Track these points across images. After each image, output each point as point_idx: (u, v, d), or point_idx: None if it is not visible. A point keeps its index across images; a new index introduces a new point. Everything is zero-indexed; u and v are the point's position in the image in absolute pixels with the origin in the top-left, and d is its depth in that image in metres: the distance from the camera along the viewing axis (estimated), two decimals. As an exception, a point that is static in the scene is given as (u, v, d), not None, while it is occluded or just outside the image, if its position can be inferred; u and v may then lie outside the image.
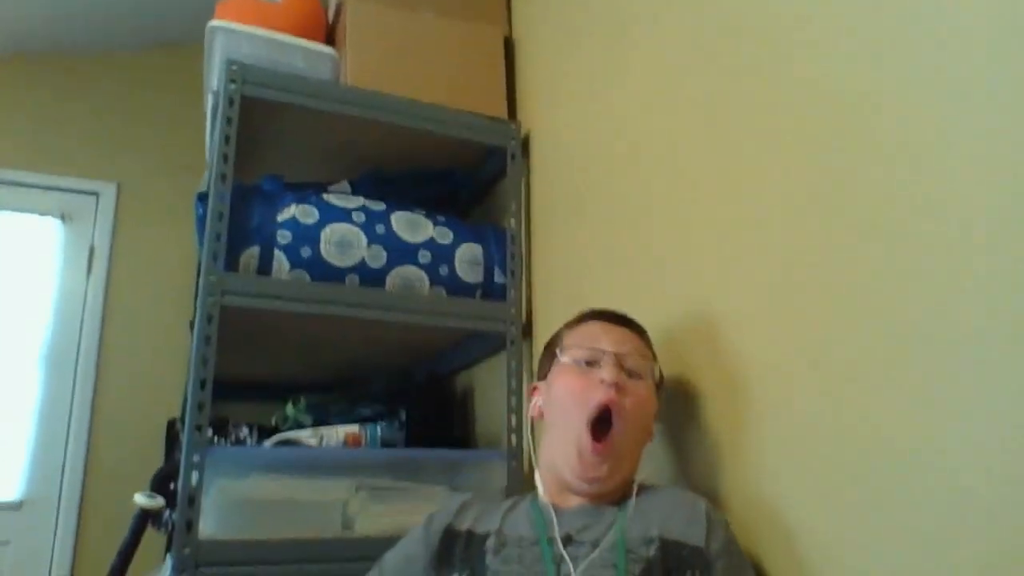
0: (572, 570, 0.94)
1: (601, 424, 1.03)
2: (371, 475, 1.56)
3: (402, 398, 1.91)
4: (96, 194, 3.03)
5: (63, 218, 2.98)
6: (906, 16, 0.86)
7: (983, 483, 0.73)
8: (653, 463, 1.25)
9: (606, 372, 1.04)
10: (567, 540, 0.99)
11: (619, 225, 1.46)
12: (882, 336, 0.86)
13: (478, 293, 1.77)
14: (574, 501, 1.05)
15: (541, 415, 1.14)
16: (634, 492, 1.05)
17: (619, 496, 1.05)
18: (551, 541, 0.99)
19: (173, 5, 2.98)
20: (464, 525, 1.05)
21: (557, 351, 1.13)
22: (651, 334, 1.17)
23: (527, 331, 1.77)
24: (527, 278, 1.83)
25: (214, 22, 1.74)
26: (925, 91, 0.83)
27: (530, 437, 1.12)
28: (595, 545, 0.97)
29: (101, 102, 3.15)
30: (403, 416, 1.83)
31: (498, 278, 1.79)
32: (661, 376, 1.14)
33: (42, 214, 2.96)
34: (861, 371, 0.88)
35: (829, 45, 0.97)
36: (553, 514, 1.03)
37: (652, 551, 0.95)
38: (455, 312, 1.70)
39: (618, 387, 1.03)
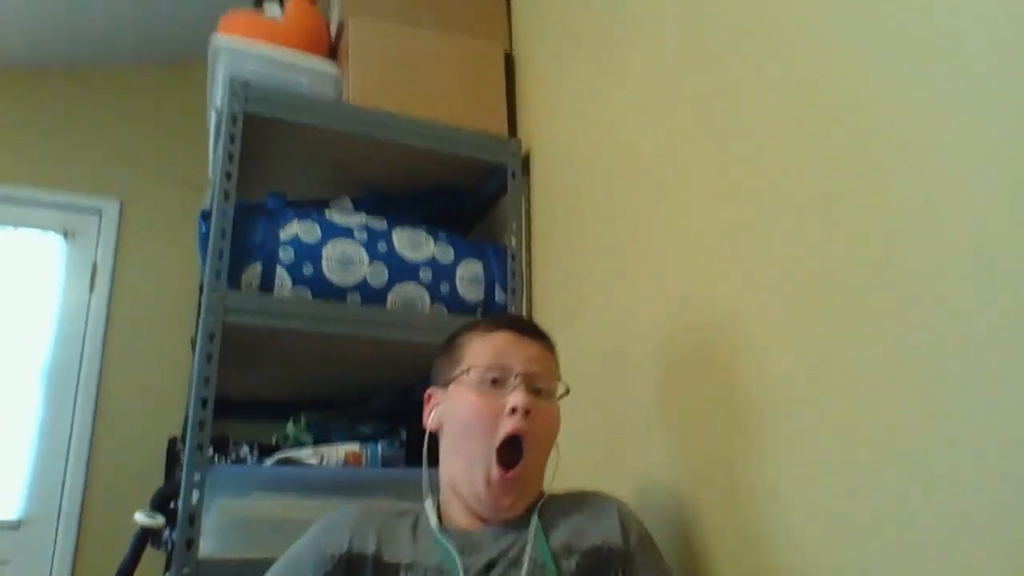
0: None
1: (509, 451, 0.97)
2: (371, 494, 1.55)
3: (403, 416, 1.90)
4: (99, 211, 3.03)
5: (66, 235, 2.98)
6: (906, 13, 0.86)
7: (983, 487, 0.72)
8: (650, 466, 1.25)
9: (517, 398, 0.97)
10: (489, 566, 0.94)
11: (619, 242, 1.46)
12: (882, 341, 0.85)
13: (479, 311, 1.77)
14: (484, 525, 1.00)
15: (440, 428, 1.05)
16: (540, 505, 1.02)
17: (527, 511, 1.01)
18: (470, 571, 0.93)
19: (176, 22, 2.99)
20: (368, 549, 0.97)
21: (460, 361, 1.05)
22: (651, 348, 1.16)
23: (529, 349, 1.76)
24: (528, 295, 1.83)
25: (217, 40, 1.75)
26: (925, 90, 0.83)
27: (424, 451, 1.04)
28: (517, 566, 0.93)
29: (104, 118, 3.16)
30: (404, 435, 1.82)
31: (499, 296, 1.79)
32: (566, 391, 1.08)
33: (44, 230, 2.97)
34: (860, 377, 0.87)
35: (828, 48, 0.97)
36: (467, 541, 0.98)
37: (573, 564, 0.94)
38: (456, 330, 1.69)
39: (529, 412, 0.97)
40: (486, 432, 0.97)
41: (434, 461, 1.05)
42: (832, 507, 0.90)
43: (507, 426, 0.97)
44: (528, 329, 1.09)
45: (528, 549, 0.95)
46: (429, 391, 1.11)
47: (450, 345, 1.09)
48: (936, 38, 0.82)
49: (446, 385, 1.06)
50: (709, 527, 1.11)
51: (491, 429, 0.97)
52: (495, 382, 1.01)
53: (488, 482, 0.97)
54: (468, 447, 0.99)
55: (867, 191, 0.89)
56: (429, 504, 1.04)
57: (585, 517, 1.00)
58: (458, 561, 0.94)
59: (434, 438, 1.07)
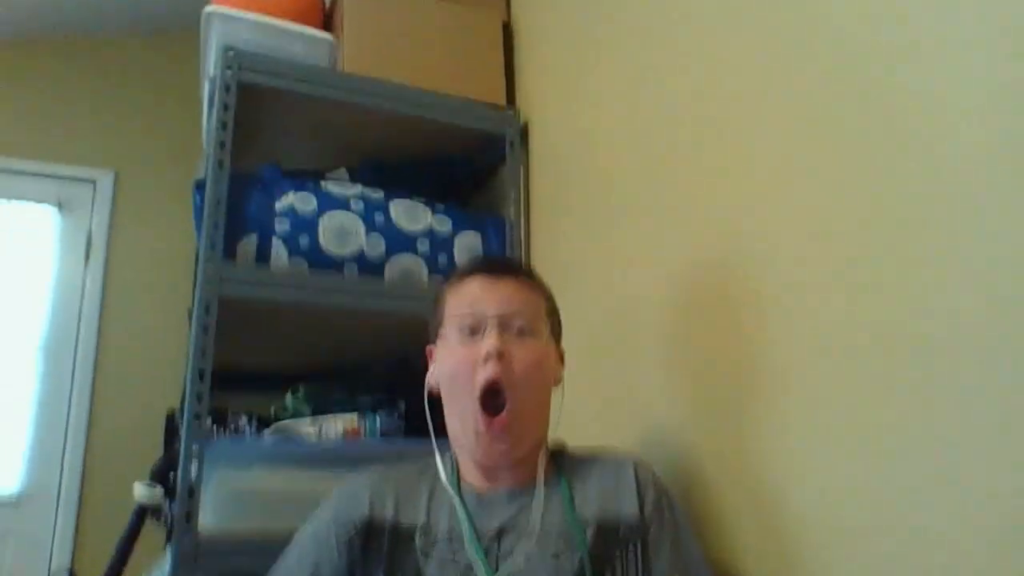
0: (512, 567, 0.90)
1: (493, 398, 0.95)
2: (371, 466, 1.54)
3: (401, 388, 1.90)
4: (93, 182, 3.01)
5: (60, 206, 2.96)
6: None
7: (983, 476, 0.72)
8: (651, 436, 1.25)
9: (488, 344, 0.96)
10: (500, 533, 0.94)
11: (619, 213, 1.44)
12: (887, 328, 0.84)
13: (478, 282, 1.76)
14: (498, 484, 0.99)
15: (438, 388, 1.04)
16: (560, 467, 1.01)
17: (546, 471, 1.00)
18: (482, 536, 0.94)
19: (169, -9, 2.95)
20: (386, 514, 0.97)
21: (442, 316, 1.04)
22: (652, 317, 1.14)
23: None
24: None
25: (210, 8, 1.72)
26: (916, 97, 0.81)
27: (427, 414, 1.03)
28: (531, 535, 0.93)
29: (98, 89, 3.12)
30: (402, 406, 1.81)
31: (498, 267, 1.78)
32: (559, 324, 1.07)
33: (39, 202, 2.94)
34: (869, 337, 0.86)
35: (840, 22, 0.96)
36: (480, 504, 0.97)
37: (589, 536, 0.93)
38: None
39: (503, 356, 0.95)
40: (468, 383, 0.96)
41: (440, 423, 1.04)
42: (837, 463, 0.89)
43: (482, 374, 0.95)
44: (500, 269, 1.06)
45: (546, 518, 0.94)
46: (428, 347, 1.10)
47: (435, 300, 1.08)
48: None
49: (435, 342, 1.06)
50: (715, 476, 1.11)
51: (470, 380, 0.96)
52: (473, 331, 0.99)
53: (477, 432, 0.96)
54: (457, 401, 0.99)
55: (884, 178, 0.87)
56: (438, 460, 1.02)
57: (603, 485, 0.99)
58: (466, 525, 0.94)
59: (435, 402, 1.04)
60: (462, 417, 0.98)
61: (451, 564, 0.92)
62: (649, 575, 0.93)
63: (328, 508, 1.02)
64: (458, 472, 1.03)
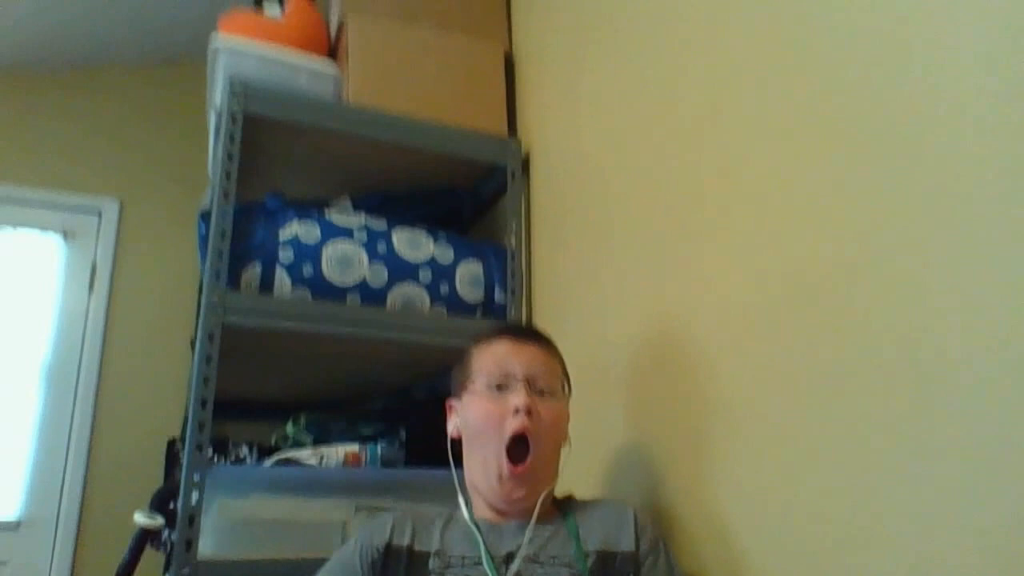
0: None
1: (518, 448, 1.05)
2: (371, 495, 1.55)
3: (402, 417, 1.90)
4: (99, 211, 3.03)
5: (65, 235, 2.98)
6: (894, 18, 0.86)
7: (953, 509, 0.75)
8: (621, 473, 1.34)
9: (518, 398, 1.06)
10: (509, 558, 1.02)
11: (620, 242, 1.46)
12: (811, 352, 0.96)
13: (479, 312, 1.77)
14: (508, 519, 1.08)
15: (459, 436, 1.15)
16: (566, 508, 1.12)
17: (551, 511, 1.11)
18: (494, 560, 1.02)
19: (176, 21, 2.99)
20: (404, 541, 1.06)
21: (469, 373, 1.14)
22: (651, 350, 1.18)
23: (529, 349, 1.76)
24: (528, 296, 1.83)
25: (217, 40, 1.75)
26: (911, 100, 0.83)
27: (449, 454, 1.15)
28: (541, 563, 1.01)
29: (104, 119, 3.16)
30: (403, 435, 1.82)
31: (499, 296, 1.79)
32: (569, 387, 1.18)
33: (44, 231, 2.97)
34: (795, 385, 0.98)
35: (830, 59, 0.98)
36: (492, 532, 1.06)
37: (590, 563, 1.02)
38: (456, 331, 1.68)
39: (530, 411, 1.06)
40: (495, 432, 1.06)
41: (457, 463, 1.15)
42: (774, 485, 1.01)
43: (512, 425, 1.05)
44: (526, 335, 1.18)
45: (553, 546, 1.03)
46: (449, 402, 1.20)
47: (462, 359, 1.19)
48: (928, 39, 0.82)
49: (460, 396, 1.16)
50: (675, 499, 1.21)
51: (499, 429, 1.06)
52: (500, 387, 1.09)
53: (500, 477, 1.05)
54: (482, 448, 1.08)
55: (849, 210, 0.92)
56: (462, 501, 1.12)
57: (605, 523, 1.08)
58: (481, 547, 1.03)
59: (455, 443, 1.16)
60: (484, 462, 1.08)
61: None
62: None
63: (354, 539, 1.10)
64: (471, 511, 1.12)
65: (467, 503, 1.11)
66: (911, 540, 0.80)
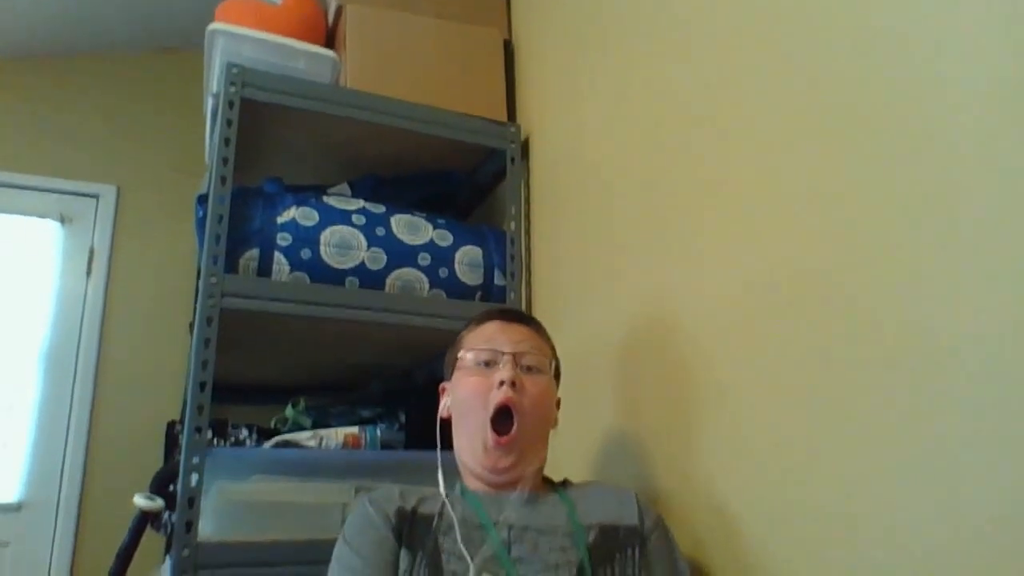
0: (523, 551, 1.00)
1: (503, 420, 1.08)
2: (370, 477, 1.56)
3: (402, 400, 1.91)
4: (96, 196, 3.03)
5: (62, 220, 2.98)
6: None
7: (925, 512, 0.76)
8: (616, 452, 1.36)
9: (504, 372, 1.10)
10: (510, 524, 1.04)
11: (618, 226, 1.46)
12: (792, 344, 0.99)
13: (478, 295, 1.78)
14: (500, 491, 1.09)
15: (450, 416, 1.17)
16: (561, 489, 1.14)
17: (544, 488, 1.14)
18: (496, 524, 1.04)
19: (173, 8, 2.98)
20: (409, 505, 1.08)
21: (459, 353, 1.18)
22: (646, 334, 1.19)
23: (526, 333, 1.77)
24: (527, 280, 1.84)
25: (214, 25, 1.74)
26: (911, 97, 0.83)
27: (438, 438, 1.17)
28: (539, 531, 1.03)
29: (101, 105, 3.15)
30: (403, 418, 1.83)
31: (498, 280, 1.80)
32: (558, 367, 1.20)
33: (42, 217, 2.96)
34: (775, 373, 1.02)
35: (829, 54, 0.98)
36: (488, 500, 1.08)
37: (591, 536, 1.04)
38: (455, 314, 1.68)
39: (516, 385, 1.09)
40: (481, 405, 1.09)
41: (447, 446, 1.16)
42: (750, 463, 1.06)
43: (496, 397, 1.08)
44: (513, 316, 1.21)
45: (554, 517, 1.05)
46: (442, 385, 1.23)
47: (453, 344, 1.22)
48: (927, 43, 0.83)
49: (451, 376, 1.19)
50: (668, 477, 1.25)
51: (484, 402, 1.09)
52: (488, 364, 1.13)
53: (485, 448, 1.08)
54: (468, 421, 1.11)
55: (848, 212, 0.92)
56: (441, 481, 1.12)
57: (606, 499, 1.11)
58: (484, 515, 1.05)
59: (445, 424, 1.17)
60: (471, 435, 1.10)
61: (465, 542, 1.01)
62: None
63: (361, 511, 1.08)
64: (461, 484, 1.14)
65: (448, 483, 1.12)
66: (881, 511, 0.83)
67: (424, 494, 1.10)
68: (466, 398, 1.12)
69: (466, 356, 1.15)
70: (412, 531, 1.04)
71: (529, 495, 1.08)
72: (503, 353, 1.12)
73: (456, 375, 1.17)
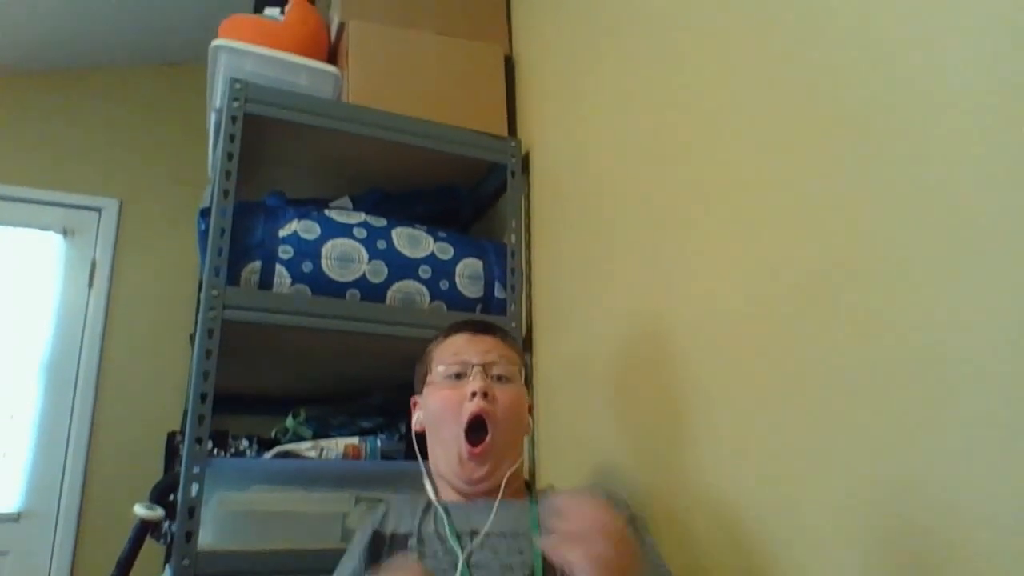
0: (484, 557, 1.02)
1: (476, 430, 1.10)
2: (370, 487, 1.57)
3: (402, 411, 1.92)
4: (98, 210, 3.05)
5: (65, 233, 3.00)
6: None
7: (925, 514, 0.76)
8: (614, 457, 1.37)
9: (475, 383, 1.12)
10: (473, 533, 1.05)
11: (618, 239, 1.48)
12: (778, 355, 1.01)
13: (478, 308, 1.79)
14: (475, 500, 1.11)
15: (422, 430, 1.19)
16: (538, 495, 1.15)
17: (521, 493, 1.15)
18: (460, 536, 1.05)
19: (176, 24, 3.01)
20: (388, 530, 1.10)
21: (429, 366, 1.20)
22: (643, 347, 1.22)
23: (527, 345, 1.79)
24: (527, 293, 1.85)
25: (218, 41, 1.76)
26: (911, 99, 0.85)
27: (415, 445, 1.20)
28: (502, 535, 1.04)
29: (104, 119, 3.18)
30: (403, 428, 1.84)
31: (499, 293, 1.81)
32: (527, 374, 1.23)
33: (44, 229, 2.98)
34: (762, 386, 1.04)
35: (830, 64, 0.99)
36: (459, 511, 1.10)
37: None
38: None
39: (487, 396, 1.11)
40: (454, 417, 1.11)
41: (425, 455, 1.19)
42: (749, 467, 1.07)
43: (469, 408, 1.10)
44: (480, 327, 1.23)
45: (516, 523, 1.06)
46: (413, 399, 1.25)
47: (422, 357, 1.25)
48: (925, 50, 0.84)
49: (422, 389, 1.22)
50: (660, 487, 1.26)
51: (457, 414, 1.11)
52: (458, 376, 1.15)
53: (460, 459, 1.10)
54: (442, 433, 1.13)
55: (840, 222, 0.94)
56: (428, 487, 1.16)
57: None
58: (446, 523, 1.07)
59: (422, 435, 1.19)
60: (446, 447, 1.13)
61: (432, 557, 1.04)
62: None
63: (359, 529, 1.15)
64: (437, 495, 1.16)
65: (434, 489, 1.15)
66: (882, 511, 0.84)
67: (409, 507, 1.12)
68: (438, 411, 1.14)
69: (436, 369, 1.17)
70: (391, 552, 1.06)
71: (502, 502, 1.08)
72: (472, 364, 1.14)
73: (427, 389, 1.19)
